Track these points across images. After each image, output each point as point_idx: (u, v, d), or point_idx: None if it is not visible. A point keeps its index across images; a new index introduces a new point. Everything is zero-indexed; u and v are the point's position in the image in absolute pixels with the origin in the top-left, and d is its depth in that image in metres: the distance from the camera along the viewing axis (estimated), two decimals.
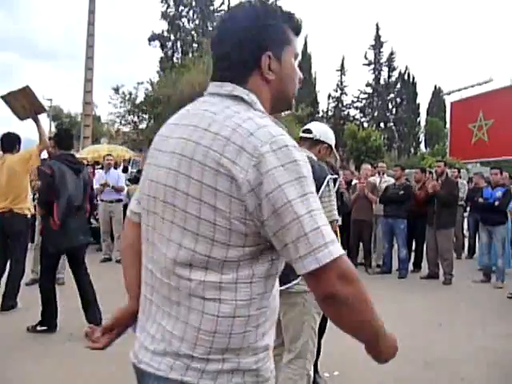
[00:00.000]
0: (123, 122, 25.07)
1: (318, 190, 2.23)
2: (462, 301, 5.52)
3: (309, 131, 2.47)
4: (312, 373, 2.32)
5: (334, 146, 2.53)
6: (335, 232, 2.30)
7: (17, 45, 79.66)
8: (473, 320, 4.71)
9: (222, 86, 1.04)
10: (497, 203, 6.21)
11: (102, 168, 8.46)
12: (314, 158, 2.39)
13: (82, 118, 22.72)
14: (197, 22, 40.72)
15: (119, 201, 7.39)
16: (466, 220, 8.91)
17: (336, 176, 2.39)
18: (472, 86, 21.52)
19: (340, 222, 2.59)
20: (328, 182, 2.23)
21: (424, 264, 7.10)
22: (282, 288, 2.23)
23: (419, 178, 7.17)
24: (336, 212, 2.28)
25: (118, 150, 15.13)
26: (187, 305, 0.94)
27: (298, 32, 1.16)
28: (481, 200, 6.52)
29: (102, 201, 7.34)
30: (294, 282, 2.20)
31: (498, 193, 6.30)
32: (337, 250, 0.87)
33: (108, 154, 7.86)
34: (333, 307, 0.91)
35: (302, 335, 2.28)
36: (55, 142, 4.30)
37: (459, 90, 22.52)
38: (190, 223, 0.93)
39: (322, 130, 2.49)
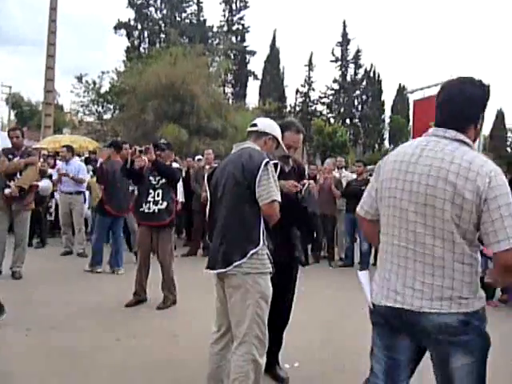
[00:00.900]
0: (87, 111, 24.43)
1: (255, 176, 2.30)
2: None
3: (254, 125, 2.62)
4: (260, 360, 2.33)
5: (280, 139, 2.66)
6: (275, 211, 2.37)
7: None
8: None
9: (446, 131, 1.69)
10: None
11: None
12: (258, 148, 2.51)
13: (43, 107, 21.91)
14: (164, 11, 39.98)
15: (79, 193, 7.19)
16: None
17: (276, 161, 2.51)
18: (435, 85, 22.13)
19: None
20: (265, 165, 2.32)
21: None
22: (225, 270, 2.29)
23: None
24: (275, 193, 2.33)
25: (81, 140, 14.71)
26: (452, 267, 1.59)
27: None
28: None
29: (61, 192, 7.13)
30: (237, 263, 2.26)
31: None
32: None
33: (64, 146, 7.60)
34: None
35: (245, 319, 2.29)
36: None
37: (422, 89, 23.11)
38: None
39: (266, 123, 2.65)
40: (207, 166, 7.58)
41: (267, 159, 2.35)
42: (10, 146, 5.62)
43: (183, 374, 3.08)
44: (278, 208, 2.37)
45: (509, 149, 49.47)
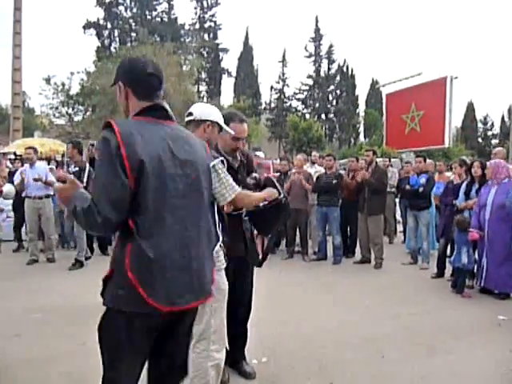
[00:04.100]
0: (57, 114, 23.89)
1: None
2: (390, 283, 5.80)
3: (190, 114, 2.43)
4: (218, 355, 2.30)
5: (220, 122, 2.44)
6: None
7: None
8: (398, 300, 4.97)
9: None
10: (421, 189, 6.57)
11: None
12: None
13: (12, 110, 21.33)
14: (135, 10, 39.44)
15: (48, 196, 6.97)
16: (397, 206, 9.35)
17: (222, 158, 2.29)
18: (406, 79, 22.46)
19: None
20: (214, 167, 2.16)
21: (358, 249, 7.38)
22: None
23: (355, 166, 7.40)
24: (235, 187, 2.25)
25: (51, 143, 14.41)
26: None
27: None
28: (407, 187, 6.86)
29: (27, 197, 6.86)
30: None
31: (422, 179, 6.65)
32: None
33: (29, 147, 7.30)
34: None
35: (203, 316, 2.26)
36: None
37: (393, 83, 23.46)
38: None
39: (201, 109, 2.42)
40: None
41: (212, 163, 2.10)
42: None
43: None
44: (243, 199, 2.33)
45: (480, 139, 50.74)
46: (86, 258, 6.71)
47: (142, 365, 1.72)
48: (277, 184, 2.66)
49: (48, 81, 23.17)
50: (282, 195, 2.58)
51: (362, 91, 47.29)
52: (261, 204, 2.50)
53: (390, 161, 9.69)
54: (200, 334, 2.27)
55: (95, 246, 7.60)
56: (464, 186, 5.66)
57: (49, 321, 4.15)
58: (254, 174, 2.80)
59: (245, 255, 2.78)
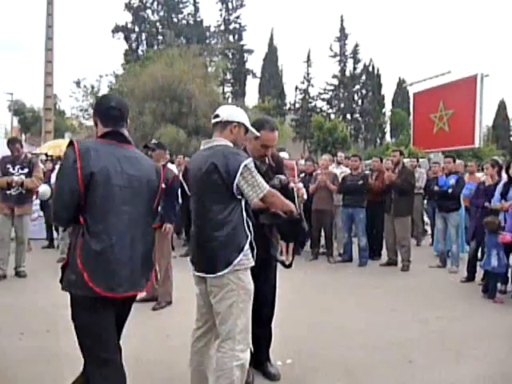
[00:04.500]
0: (86, 115, 24.49)
1: (233, 179, 2.24)
2: (417, 286, 5.69)
3: (217, 116, 2.46)
4: (243, 355, 2.30)
5: (247, 123, 2.47)
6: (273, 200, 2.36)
7: None
8: (425, 304, 4.86)
9: None
10: (450, 190, 6.41)
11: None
12: (230, 145, 2.38)
13: (44, 113, 21.97)
14: (161, 13, 39.97)
15: None
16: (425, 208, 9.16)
17: (251, 158, 2.33)
18: (436, 77, 21.98)
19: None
20: (245, 167, 2.25)
21: (384, 251, 7.26)
22: (220, 274, 2.26)
23: (378, 167, 7.31)
24: (264, 185, 2.31)
25: None
26: None
27: None
28: (436, 188, 6.71)
29: None
30: (235, 262, 2.26)
31: (452, 180, 6.49)
32: None
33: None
34: None
35: (230, 316, 2.27)
36: None
37: (421, 82, 23.00)
38: None
39: (228, 111, 2.46)
40: None
41: (245, 162, 2.25)
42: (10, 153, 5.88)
43: (174, 374, 3.06)
44: (272, 197, 2.36)
45: None
46: None
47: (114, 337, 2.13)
48: (296, 200, 2.66)
49: (78, 84, 23.82)
50: (297, 211, 2.57)
51: (388, 90, 46.70)
52: (283, 215, 2.50)
53: (417, 161, 9.50)
54: (226, 333, 2.28)
55: None
56: (501, 186, 5.43)
57: None
58: (280, 176, 2.77)
59: (267, 256, 2.78)
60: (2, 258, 5.71)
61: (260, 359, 3.01)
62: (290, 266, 2.92)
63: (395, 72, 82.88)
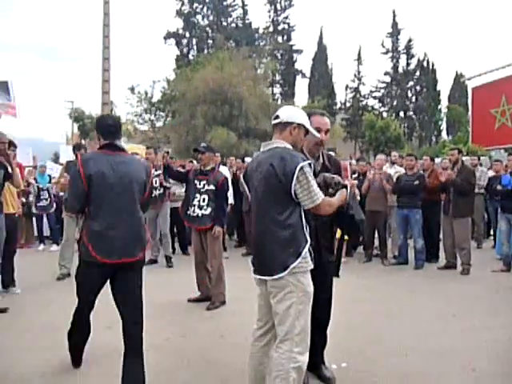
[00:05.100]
0: (140, 120, 25.43)
1: (290, 181, 2.24)
2: (478, 291, 5.40)
3: (277, 117, 2.46)
4: (302, 357, 2.28)
5: (307, 124, 2.46)
6: (322, 212, 2.34)
7: (37, 48, 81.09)
8: (487, 311, 4.60)
9: None
10: None
11: None
12: (289, 147, 2.38)
13: None
14: (211, 18, 40.71)
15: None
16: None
17: (309, 161, 2.32)
18: (497, 70, 20.81)
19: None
20: (301, 169, 2.24)
21: (441, 254, 6.97)
22: (276, 277, 2.27)
23: (428, 166, 7.06)
24: (317, 195, 2.29)
25: (135, 148, 15.33)
26: None
27: None
28: (499, 187, 6.35)
29: None
30: (292, 266, 2.25)
31: None
32: None
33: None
34: None
35: (288, 318, 2.27)
36: None
37: (480, 75, 21.85)
38: None
39: (288, 112, 2.46)
40: None
41: (301, 164, 2.25)
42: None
43: (232, 374, 3.10)
44: (325, 206, 2.35)
45: None
46: (168, 258, 7.04)
47: (95, 295, 2.87)
48: (348, 194, 2.60)
49: (132, 90, 24.78)
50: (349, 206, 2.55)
51: (444, 86, 44.69)
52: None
53: (479, 159, 9.02)
54: (284, 334, 2.29)
55: (176, 245, 7.97)
56: None
57: None
58: (325, 174, 2.67)
59: (325, 259, 2.76)
60: (67, 257, 6.04)
61: (315, 362, 2.99)
62: (337, 273, 2.91)
63: (452, 66, 79.46)
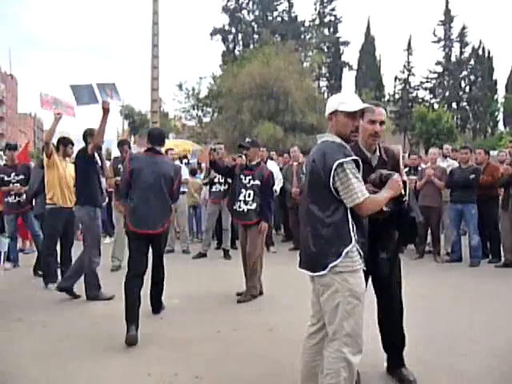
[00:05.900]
0: (188, 116, 25.93)
1: (329, 178, 2.16)
2: None
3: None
4: (352, 358, 2.22)
5: (342, 107, 2.27)
6: (365, 211, 2.23)
7: (91, 47, 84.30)
8: None
9: None
10: None
11: None
12: (336, 140, 2.27)
13: (150, 116, 23.70)
14: (257, 13, 40.73)
15: (183, 193, 7.60)
16: None
17: (353, 157, 2.19)
18: None
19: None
20: (337, 168, 2.14)
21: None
22: (319, 274, 2.23)
23: (482, 159, 6.71)
24: (357, 194, 2.15)
25: (184, 144, 15.67)
26: None
27: None
28: None
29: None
30: (331, 265, 2.20)
31: None
32: None
33: (170, 149, 8.08)
34: None
35: (335, 317, 2.22)
36: None
37: None
38: None
39: (327, 104, 2.38)
40: (295, 163, 7.72)
41: (340, 161, 2.14)
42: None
43: (283, 369, 3.10)
44: (368, 205, 2.21)
45: None
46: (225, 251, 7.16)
47: (145, 255, 3.89)
48: (406, 192, 2.45)
49: (180, 87, 25.30)
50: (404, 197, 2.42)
51: (501, 75, 42.35)
52: (385, 208, 2.36)
53: None
54: (333, 333, 2.25)
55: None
56: None
57: (184, 307, 4.55)
58: (381, 170, 2.49)
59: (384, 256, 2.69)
60: (119, 249, 6.26)
61: (394, 363, 2.91)
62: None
63: (510, 54, 75.02)
